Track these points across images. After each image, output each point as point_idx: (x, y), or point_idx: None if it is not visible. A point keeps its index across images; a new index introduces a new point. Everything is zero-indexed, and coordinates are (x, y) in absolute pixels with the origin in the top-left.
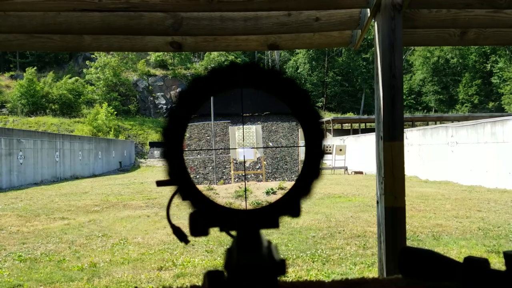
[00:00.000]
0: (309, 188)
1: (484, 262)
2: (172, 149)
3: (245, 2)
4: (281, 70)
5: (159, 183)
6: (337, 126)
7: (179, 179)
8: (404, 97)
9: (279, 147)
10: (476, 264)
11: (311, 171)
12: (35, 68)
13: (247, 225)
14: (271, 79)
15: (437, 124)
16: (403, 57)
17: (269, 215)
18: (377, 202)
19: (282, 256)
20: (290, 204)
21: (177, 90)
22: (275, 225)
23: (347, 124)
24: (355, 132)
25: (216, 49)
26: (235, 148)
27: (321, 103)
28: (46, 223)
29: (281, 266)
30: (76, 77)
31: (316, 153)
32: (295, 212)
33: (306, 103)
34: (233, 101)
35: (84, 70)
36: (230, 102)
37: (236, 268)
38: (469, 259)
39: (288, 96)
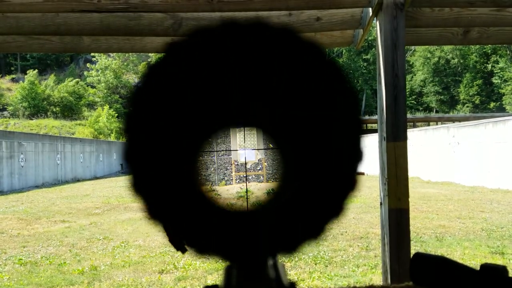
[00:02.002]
0: (341, 206)
1: (502, 270)
2: (138, 150)
3: (246, 1)
4: (298, 31)
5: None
6: None
7: (148, 193)
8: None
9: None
10: (494, 272)
11: (343, 180)
12: (36, 70)
13: (251, 253)
14: (285, 44)
15: (438, 124)
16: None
17: (284, 239)
18: (381, 204)
19: (291, 278)
20: (312, 226)
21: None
22: (292, 248)
23: None
24: None
25: None
26: (237, 150)
27: None
28: (47, 226)
29: None
30: (77, 79)
31: (351, 154)
32: (316, 234)
33: (338, 81)
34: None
35: (85, 73)
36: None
37: None
38: (486, 267)
39: (310, 72)
